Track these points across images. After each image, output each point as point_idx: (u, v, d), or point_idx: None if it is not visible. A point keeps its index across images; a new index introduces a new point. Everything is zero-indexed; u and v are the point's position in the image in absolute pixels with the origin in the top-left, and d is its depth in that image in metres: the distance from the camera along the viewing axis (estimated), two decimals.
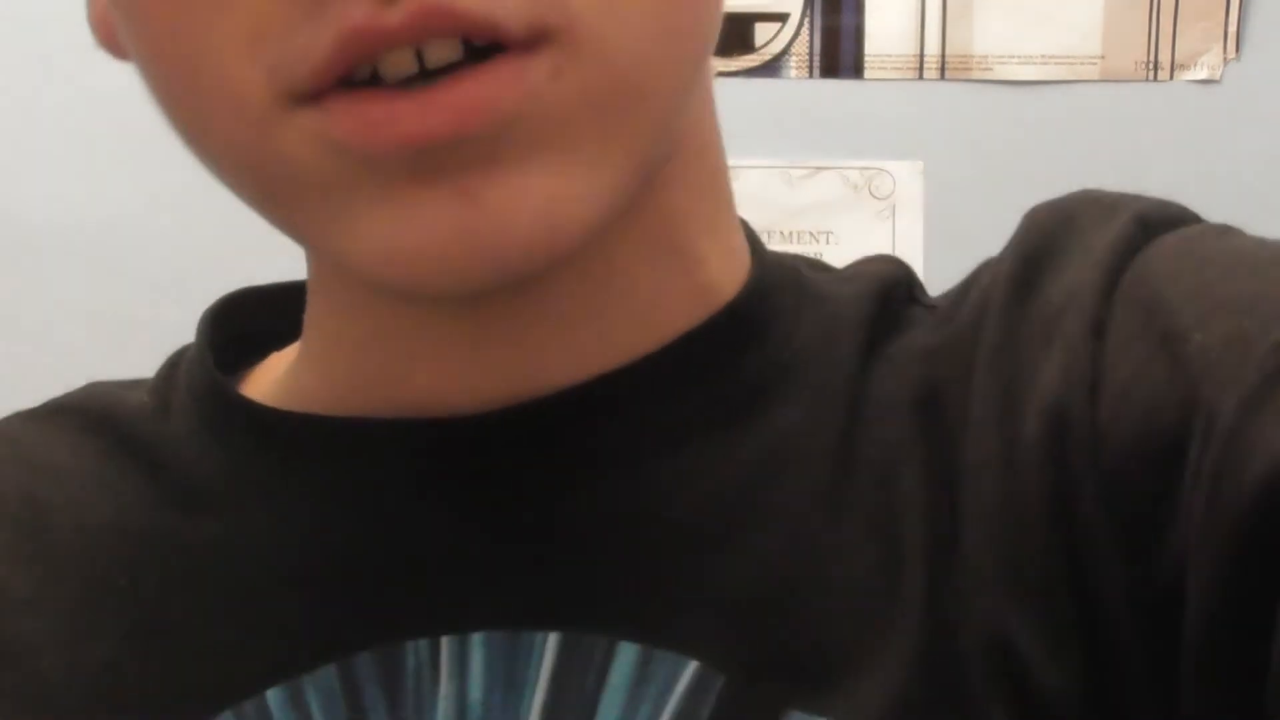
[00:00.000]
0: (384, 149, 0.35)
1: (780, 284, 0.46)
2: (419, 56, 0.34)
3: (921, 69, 1.49)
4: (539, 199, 0.35)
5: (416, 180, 0.35)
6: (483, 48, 0.35)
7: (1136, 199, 0.45)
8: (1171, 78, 1.49)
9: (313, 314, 0.46)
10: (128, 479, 0.46)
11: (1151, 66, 1.49)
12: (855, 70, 1.49)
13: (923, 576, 0.39)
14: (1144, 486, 0.37)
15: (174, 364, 0.50)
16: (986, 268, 0.46)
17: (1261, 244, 0.40)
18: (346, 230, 0.36)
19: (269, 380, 0.48)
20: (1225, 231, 0.42)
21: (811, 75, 1.49)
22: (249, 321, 0.51)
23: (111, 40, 0.42)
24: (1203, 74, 1.48)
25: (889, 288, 0.47)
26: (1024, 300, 0.42)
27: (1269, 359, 0.35)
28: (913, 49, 1.49)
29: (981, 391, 0.41)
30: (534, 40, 0.35)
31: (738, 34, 1.48)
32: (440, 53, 0.34)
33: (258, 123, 0.36)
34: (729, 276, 0.46)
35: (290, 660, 0.41)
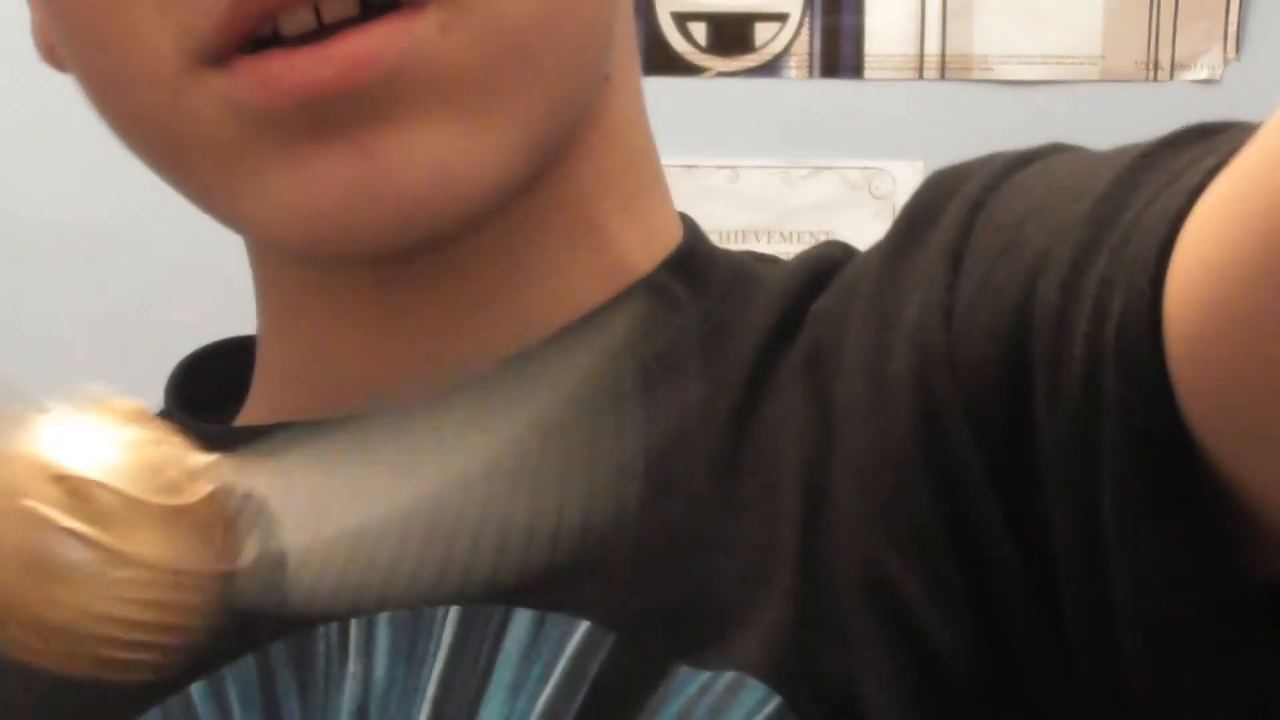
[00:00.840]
0: (281, 103, 0.37)
1: (709, 267, 0.47)
2: (317, 14, 0.36)
3: (921, 69, 1.49)
4: (431, 154, 0.37)
5: (313, 137, 0.37)
6: (380, 5, 0.36)
7: (1029, 147, 0.45)
8: (1171, 78, 1.49)
9: (260, 332, 0.48)
10: None
11: (1151, 66, 1.49)
12: (855, 70, 1.49)
13: (799, 528, 0.39)
14: (1001, 396, 0.36)
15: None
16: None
17: (1119, 150, 0.40)
18: (250, 192, 0.38)
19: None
20: (1084, 149, 0.42)
21: (811, 75, 1.49)
22: (220, 376, 0.52)
23: (52, 53, 0.44)
24: (1203, 74, 1.48)
25: (825, 264, 0.47)
26: (903, 252, 0.42)
27: (1081, 231, 0.35)
28: (913, 49, 1.49)
29: (854, 339, 0.41)
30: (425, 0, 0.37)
31: (738, 34, 1.48)
32: (336, 9, 0.36)
33: (171, 86, 0.38)
34: (647, 256, 0.46)
35: (212, 654, 0.41)
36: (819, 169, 1.49)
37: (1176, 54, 1.48)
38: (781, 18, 1.48)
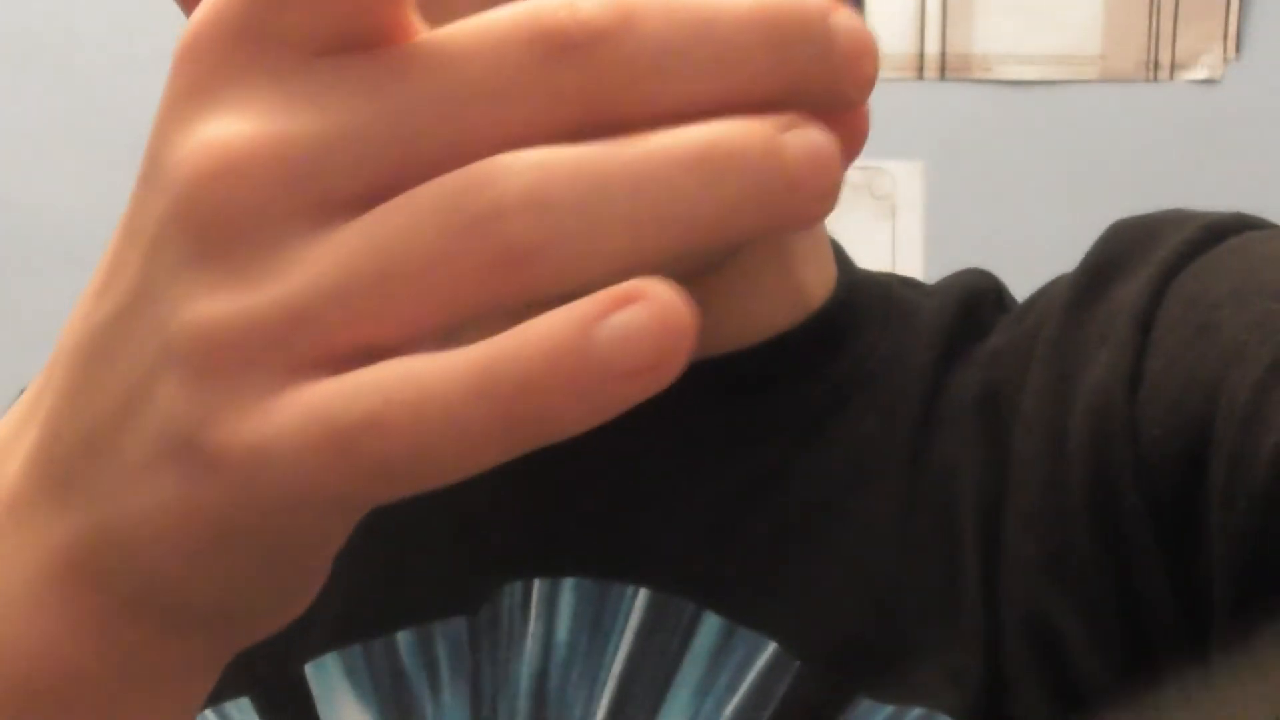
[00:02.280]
0: None
1: (869, 297, 0.48)
2: None
3: (921, 69, 1.49)
4: None
5: None
6: None
7: (1213, 212, 0.46)
8: (1171, 78, 1.49)
9: None
10: None
11: (1151, 66, 1.49)
12: None
13: (977, 567, 0.41)
14: (1177, 472, 0.38)
15: None
16: (1062, 276, 0.48)
17: None
18: None
19: None
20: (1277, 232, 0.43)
21: None
22: None
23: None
24: (1203, 74, 1.48)
25: (974, 297, 0.48)
26: (1088, 304, 0.43)
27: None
28: (913, 49, 1.49)
29: (1034, 387, 0.42)
30: None
31: None
32: None
33: None
34: (819, 279, 0.48)
35: (422, 606, 0.43)
36: None
37: (1176, 54, 1.48)
38: None
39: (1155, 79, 1.49)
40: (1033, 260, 1.48)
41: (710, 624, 0.41)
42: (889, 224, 1.50)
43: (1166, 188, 1.47)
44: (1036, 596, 0.39)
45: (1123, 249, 0.45)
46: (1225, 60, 1.48)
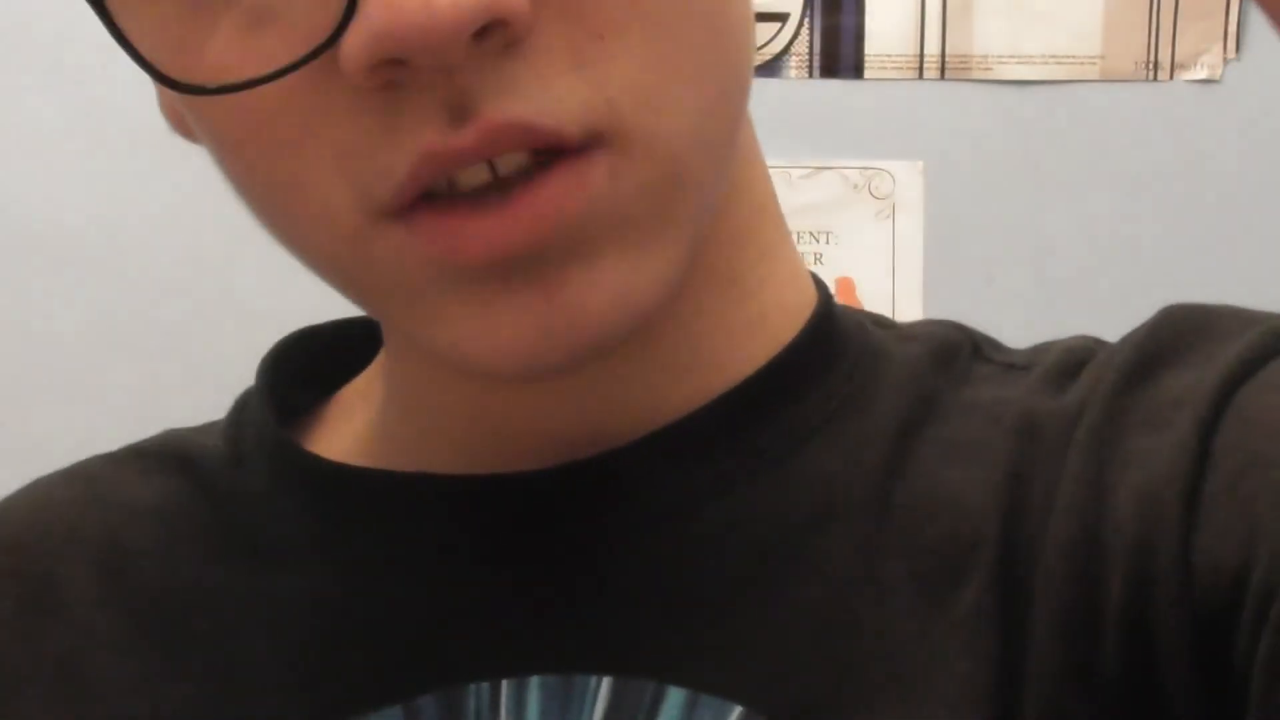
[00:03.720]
0: (469, 262, 0.37)
1: (842, 332, 0.48)
2: (491, 166, 0.37)
3: (921, 69, 1.49)
4: (610, 289, 0.38)
5: (497, 285, 0.38)
6: (548, 152, 0.37)
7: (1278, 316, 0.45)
8: (1171, 78, 1.49)
9: (392, 378, 0.48)
10: (207, 528, 0.48)
11: (1151, 66, 1.49)
12: (855, 70, 1.49)
13: (993, 633, 0.40)
14: (1222, 594, 0.38)
15: (241, 407, 0.52)
16: (1101, 351, 0.46)
17: None
18: (433, 327, 0.39)
19: (342, 433, 0.50)
20: None
21: (811, 75, 1.49)
22: (305, 361, 0.53)
23: (183, 127, 0.44)
24: (1203, 74, 1.48)
25: (951, 348, 0.48)
26: (1134, 391, 0.43)
27: None
28: (913, 49, 1.49)
29: (1074, 470, 0.41)
30: (589, 144, 0.37)
31: None
32: (511, 163, 0.37)
33: (350, 239, 0.38)
34: (783, 307, 0.47)
35: (358, 700, 0.43)
36: (819, 169, 1.49)
37: (1176, 54, 1.48)
38: (781, 18, 1.48)
39: (1155, 79, 1.49)
40: (1033, 260, 1.48)
41: (674, 698, 0.41)
42: (889, 224, 1.50)
43: (1166, 188, 1.47)
44: (1058, 697, 0.39)
45: (1177, 338, 0.44)
46: (1225, 60, 1.48)
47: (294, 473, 0.48)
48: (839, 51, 1.49)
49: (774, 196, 0.48)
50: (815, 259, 1.50)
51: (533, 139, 0.36)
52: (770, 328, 0.46)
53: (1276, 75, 1.48)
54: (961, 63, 1.49)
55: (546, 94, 0.36)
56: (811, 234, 1.49)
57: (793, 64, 1.49)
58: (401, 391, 0.48)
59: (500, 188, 0.37)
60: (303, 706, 0.43)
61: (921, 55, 1.49)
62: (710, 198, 0.42)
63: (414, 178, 0.37)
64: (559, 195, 0.37)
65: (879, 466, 0.43)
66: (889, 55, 1.49)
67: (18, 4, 1.45)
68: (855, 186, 1.49)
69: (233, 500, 0.49)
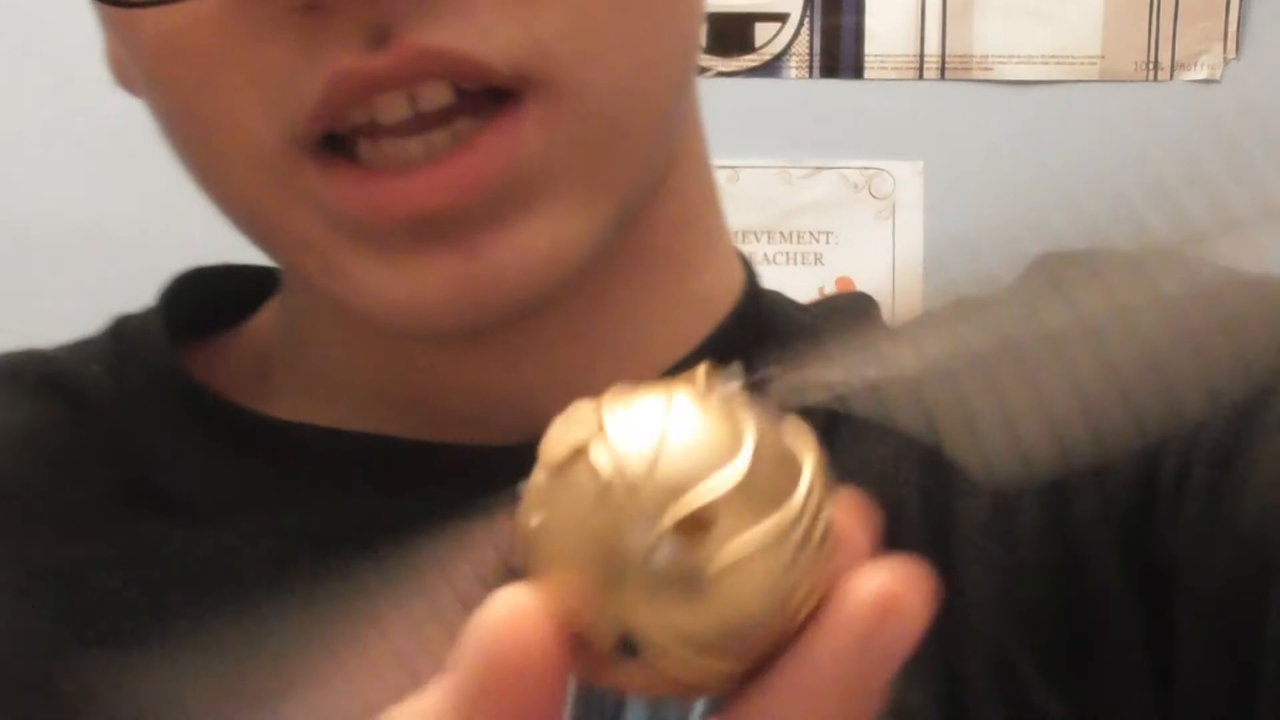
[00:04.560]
0: (387, 223, 0.36)
1: (770, 308, 0.48)
2: (412, 103, 0.36)
3: (921, 69, 1.49)
4: (533, 245, 0.37)
5: (417, 242, 0.37)
6: (473, 93, 0.36)
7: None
8: (1171, 78, 1.49)
9: (309, 328, 0.46)
10: (100, 467, 0.45)
11: (1151, 66, 1.49)
12: (855, 70, 1.49)
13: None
14: (1133, 486, 0.38)
15: (119, 334, 0.49)
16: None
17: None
18: (346, 282, 0.38)
19: (246, 376, 0.47)
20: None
21: (811, 75, 1.49)
22: (198, 295, 0.50)
23: (127, 79, 0.44)
24: (1203, 74, 1.48)
25: (863, 320, 0.48)
26: None
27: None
28: (913, 49, 1.49)
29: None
30: (519, 87, 0.36)
31: (738, 34, 1.48)
32: (433, 97, 0.36)
33: (268, 169, 0.37)
34: (722, 289, 0.47)
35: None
36: (819, 169, 1.49)
37: (1176, 54, 1.48)
38: (781, 18, 1.48)
39: (1155, 79, 1.49)
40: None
41: (635, 708, 0.40)
42: (889, 224, 1.50)
43: (1167, 188, 1.47)
44: (996, 635, 0.39)
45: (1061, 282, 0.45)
46: (1225, 60, 1.48)
47: (215, 422, 0.45)
48: (839, 51, 1.49)
49: (715, 181, 0.48)
50: (815, 259, 1.50)
51: (455, 69, 0.36)
52: (712, 309, 0.46)
53: (1276, 75, 1.48)
54: (961, 63, 1.49)
55: (471, 25, 0.35)
56: (811, 234, 1.49)
57: (793, 64, 1.49)
58: (318, 346, 0.45)
59: (425, 147, 0.36)
60: (254, 683, 0.41)
61: (921, 55, 1.49)
62: (645, 160, 0.41)
63: (328, 101, 0.36)
64: (486, 158, 0.36)
65: (822, 435, 0.44)
66: (889, 55, 1.49)
67: (17, 4, 1.45)
68: (855, 186, 1.49)
69: (128, 439, 0.45)
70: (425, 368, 0.44)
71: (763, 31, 1.48)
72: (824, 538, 0.25)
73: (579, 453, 0.24)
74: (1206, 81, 1.49)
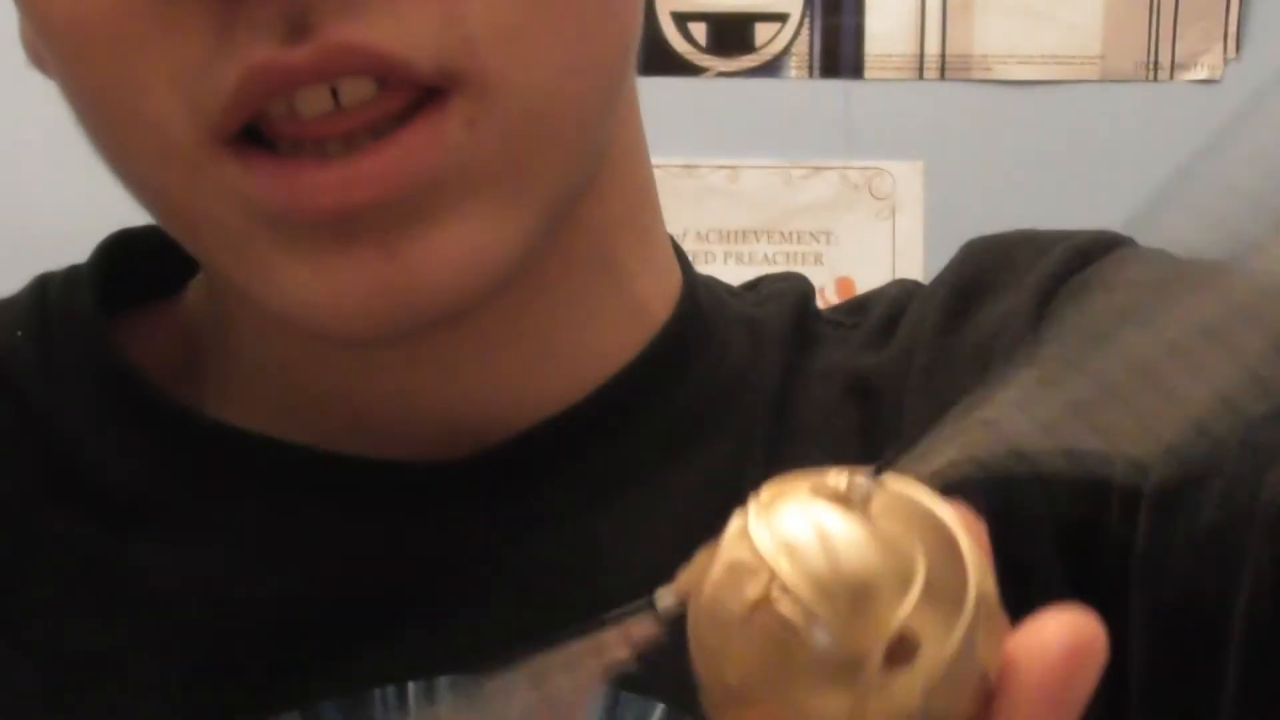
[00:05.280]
0: (307, 217, 0.35)
1: (709, 306, 0.47)
2: (334, 96, 0.35)
3: (921, 69, 1.49)
4: (460, 251, 0.36)
5: (337, 240, 0.36)
6: (396, 83, 0.35)
7: (1074, 234, 0.46)
8: (1171, 78, 1.49)
9: (234, 320, 0.44)
10: (24, 455, 0.43)
11: (1151, 66, 1.49)
12: (855, 70, 1.49)
13: None
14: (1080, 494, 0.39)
15: (40, 293, 0.47)
16: (916, 296, 0.47)
17: (1194, 264, 0.41)
18: (263, 280, 0.37)
19: (173, 362, 0.45)
20: (1158, 254, 0.43)
21: (811, 75, 1.49)
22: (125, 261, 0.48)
23: (42, 62, 0.42)
24: (1203, 74, 1.48)
25: (800, 306, 0.47)
26: (956, 328, 0.43)
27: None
28: (913, 49, 1.49)
29: (915, 418, 0.42)
30: (444, 85, 0.35)
31: (738, 34, 1.48)
32: (354, 91, 0.35)
33: (184, 163, 0.36)
34: (659, 292, 0.46)
35: (250, 703, 0.39)
36: (819, 169, 1.49)
37: (1176, 54, 1.48)
38: (781, 18, 1.48)
39: (1155, 79, 1.49)
40: None
41: (593, 697, 0.39)
42: (889, 224, 1.50)
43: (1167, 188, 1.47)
44: None
45: (984, 272, 0.45)
46: (1225, 60, 1.48)
47: (145, 416, 0.43)
48: (839, 51, 1.49)
49: (653, 181, 0.47)
50: (815, 259, 1.50)
51: (378, 66, 0.34)
52: (648, 314, 0.45)
53: (1277, 75, 1.48)
54: (961, 63, 1.49)
55: (395, 20, 0.34)
56: (811, 234, 1.49)
57: (793, 64, 1.49)
58: (243, 340, 0.44)
59: (346, 141, 0.35)
60: (184, 707, 0.40)
61: (921, 55, 1.49)
62: (573, 161, 0.39)
63: (243, 93, 0.34)
64: (409, 154, 0.35)
65: (764, 443, 0.43)
66: (889, 55, 1.49)
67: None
68: (855, 186, 1.49)
69: (51, 424, 0.43)
70: (352, 371, 0.42)
71: (763, 31, 1.48)
72: (997, 604, 0.25)
73: (761, 604, 0.25)
74: (1206, 81, 1.48)
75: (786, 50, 1.49)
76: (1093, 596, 0.38)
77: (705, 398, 0.44)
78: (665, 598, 0.27)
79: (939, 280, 0.46)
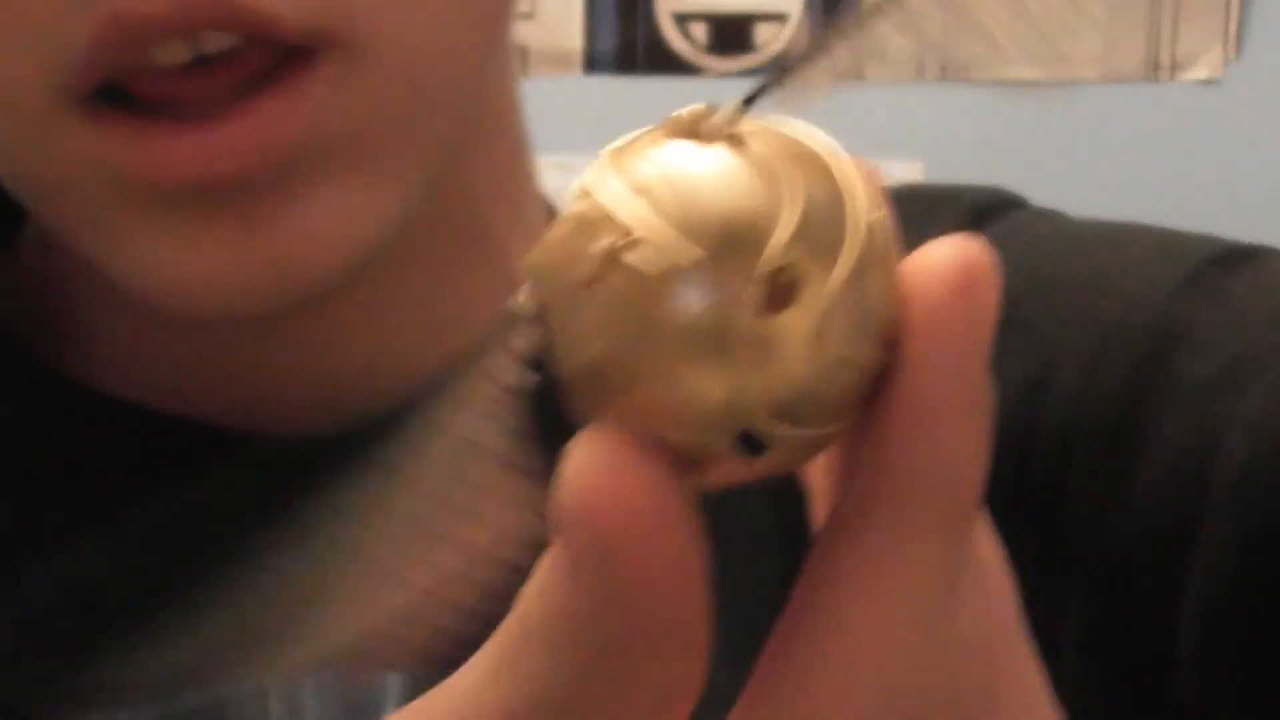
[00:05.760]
0: (163, 184, 0.33)
1: None
2: (194, 46, 0.32)
3: (922, 69, 1.49)
4: (325, 221, 0.34)
5: (197, 211, 0.34)
6: (260, 40, 0.32)
7: (958, 191, 0.44)
8: (1172, 78, 1.49)
9: (83, 292, 0.41)
10: None
11: (1151, 66, 1.49)
12: (855, 70, 1.49)
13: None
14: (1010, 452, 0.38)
15: None
16: None
17: (1090, 225, 0.40)
18: (122, 252, 0.35)
19: (30, 315, 0.42)
20: (1050, 216, 0.43)
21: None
22: None
23: None
24: (1203, 74, 1.48)
25: None
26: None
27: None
28: (913, 49, 1.49)
29: None
30: (311, 44, 0.33)
31: (738, 34, 1.48)
32: (217, 42, 0.32)
33: (32, 124, 0.34)
34: None
35: (109, 694, 0.37)
36: None
37: (1176, 54, 1.48)
38: (781, 18, 1.48)
39: (1155, 79, 1.49)
40: None
41: (394, 684, 0.37)
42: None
43: (1167, 188, 1.47)
44: None
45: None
46: (1225, 60, 1.48)
47: (16, 380, 0.41)
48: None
49: (527, 146, 0.44)
50: None
51: (240, 20, 0.32)
52: (521, 285, 0.43)
53: (1276, 75, 1.48)
54: (962, 63, 1.49)
55: None
56: None
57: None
58: (102, 303, 0.41)
59: (206, 104, 0.32)
60: (47, 690, 0.37)
61: (922, 55, 1.49)
62: (450, 126, 0.37)
63: (98, 47, 0.32)
64: (271, 120, 0.32)
65: None
66: (889, 55, 1.49)
67: None
68: None
69: None
70: (220, 344, 0.40)
71: (763, 31, 1.48)
72: (891, 239, 0.22)
73: (610, 258, 0.21)
74: (1206, 81, 1.48)
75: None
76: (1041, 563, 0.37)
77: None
78: (520, 292, 0.23)
79: None
